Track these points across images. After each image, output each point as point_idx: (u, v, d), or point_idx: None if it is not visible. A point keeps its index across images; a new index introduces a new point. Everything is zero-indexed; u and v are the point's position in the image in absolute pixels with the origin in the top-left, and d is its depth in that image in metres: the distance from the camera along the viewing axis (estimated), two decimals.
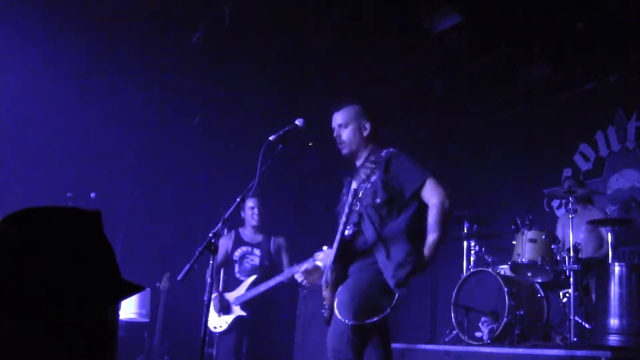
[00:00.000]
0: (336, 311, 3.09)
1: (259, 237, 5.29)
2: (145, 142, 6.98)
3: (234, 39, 5.93)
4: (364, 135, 3.31)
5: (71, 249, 1.00)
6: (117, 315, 1.09)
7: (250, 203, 5.25)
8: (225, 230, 5.38)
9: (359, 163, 3.37)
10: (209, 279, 3.32)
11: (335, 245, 3.13)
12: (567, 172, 6.70)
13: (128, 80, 6.61)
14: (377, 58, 6.40)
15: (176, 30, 5.90)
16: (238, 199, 3.30)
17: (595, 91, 6.56)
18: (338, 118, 3.34)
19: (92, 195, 5.38)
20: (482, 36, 5.87)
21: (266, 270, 5.14)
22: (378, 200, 3.14)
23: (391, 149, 3.25)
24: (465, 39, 5.87)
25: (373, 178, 3.12)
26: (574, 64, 6.21)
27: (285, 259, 5.22)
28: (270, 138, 3.18)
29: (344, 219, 3.11)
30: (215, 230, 3.54)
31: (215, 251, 3.34)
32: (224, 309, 5.08)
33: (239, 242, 5.30)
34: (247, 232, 5.34)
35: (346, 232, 3.16)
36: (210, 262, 3.36)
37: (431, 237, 3.08)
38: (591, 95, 6.60)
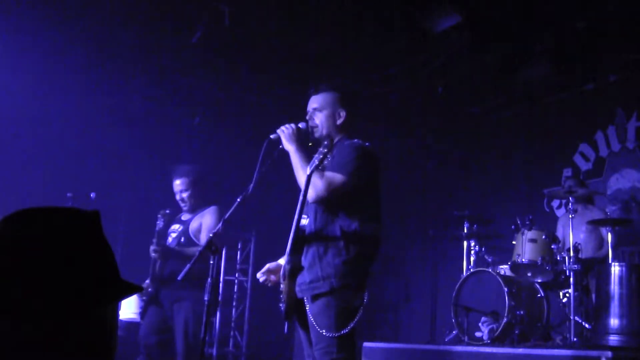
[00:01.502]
0: None
1: (187, 216, 4.71)
2: (146, 142, 6.97)
3: (234, 39, 5.93)
4: (337, 123, 3.19)
5: (70, 249, 1.00)
6: (117, 315, 1.09)
7: (177, 182, 4.70)
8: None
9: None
10: (209, 279, 3.32)
11: (291, 235, 2.95)
12: (567, 172, 6.70)
13: (128, 80, 6.61)
14: (377, 58, 6.40)
15: (176, 30, 5.90)
16: (239, 199, 3.29)
17: (595, 91, 6.57)
18: (314, 101, 3.24)
19: (92, 195, 5.36)
20: (482, 36, 5.86)
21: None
22: None
23: (354, 140, 3.10)
24: (465, 39, 5.87)
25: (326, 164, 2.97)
26: (574, 64, 6.20)
27: (204, 237, 4.40)
28: (272, 136, 3.16)
29: (299, 207, 2.95)
30: (216, 230, 3.54)
31: (215, 251, 3.33)
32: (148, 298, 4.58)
33: (171, 222, 4.78)
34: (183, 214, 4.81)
35: (303, 221, 3.00)
36: (211, 262, 3.36)
37: None
38: (591, 95, 6.60)
